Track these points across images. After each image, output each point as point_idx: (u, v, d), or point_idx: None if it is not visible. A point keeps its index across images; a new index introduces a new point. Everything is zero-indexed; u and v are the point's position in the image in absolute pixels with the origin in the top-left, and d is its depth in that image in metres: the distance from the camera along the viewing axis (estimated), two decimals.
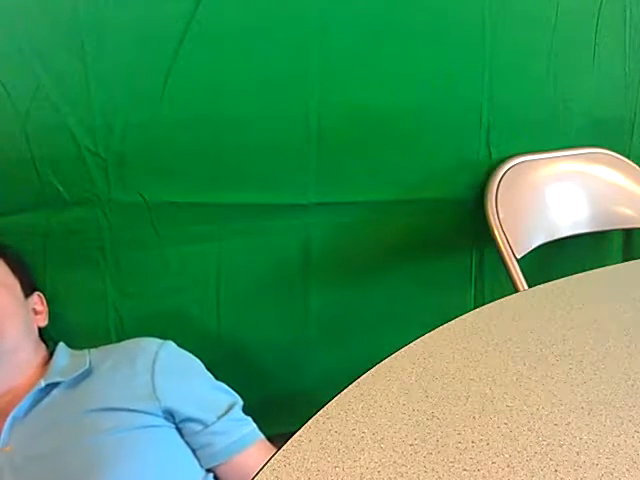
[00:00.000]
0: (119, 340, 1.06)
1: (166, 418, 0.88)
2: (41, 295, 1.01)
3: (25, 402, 0.85)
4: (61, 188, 0.98)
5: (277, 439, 0.91)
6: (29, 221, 1.00)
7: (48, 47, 0.91)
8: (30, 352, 0.93)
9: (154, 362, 0.90)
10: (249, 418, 0.93)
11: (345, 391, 0.51)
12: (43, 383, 0.86)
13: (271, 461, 0.43)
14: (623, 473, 0.41)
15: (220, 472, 0.90)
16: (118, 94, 0.96)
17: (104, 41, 0.93)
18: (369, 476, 0.41)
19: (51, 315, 1.02)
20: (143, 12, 0.93)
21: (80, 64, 0.93)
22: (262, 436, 0.93)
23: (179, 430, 0.89)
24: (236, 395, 0.95)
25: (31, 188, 0.97)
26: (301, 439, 0.45)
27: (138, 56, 0.95)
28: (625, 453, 0.43)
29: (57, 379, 0.87)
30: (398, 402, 0.49)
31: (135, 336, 0.98)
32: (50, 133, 0.95)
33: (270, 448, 0.92)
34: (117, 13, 0.92)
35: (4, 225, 0.99)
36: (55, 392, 0.87)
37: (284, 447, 0.44)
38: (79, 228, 1.01)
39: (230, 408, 0.91)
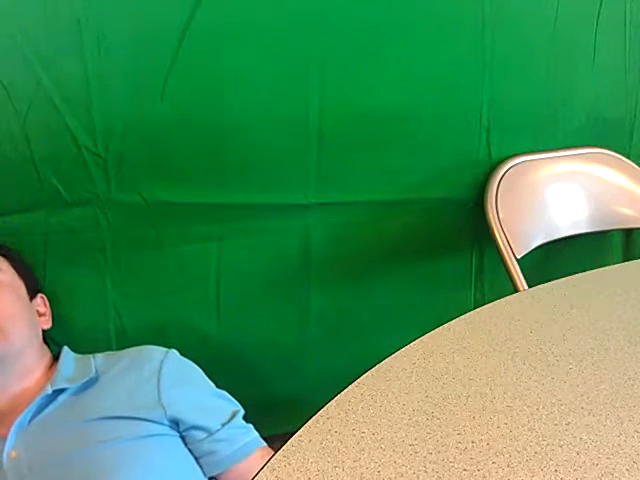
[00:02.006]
0: (118, 340, 1.06)
1: (171, 426, 0.88)
2: (44, 297, 1.01)
3: (31, 408, 0.85)
4: (61, 188, 0.98)
5: (277, 439, 0.91)
6: (29, 221, 1.00)
7: (48, 47, 0.91)
8: (35, 356, 0.93)
9: (159, 371, 0.90)
10: (251, 426, 0.93)
11: (345, 391, 0.51)
12: (50, 389, 0.86)
13: (271, 461, 0.43)
14: (623, 473, 0.41)
15: None
16: (118, 94, 0.96)
17: (104, 41, 0.93)
18: (369, 476, 0.41)
19: (51, 315, 1.02)
20: (143, 12, 0.93)
21: (80, 64, 0.93)
22: (264, 444, 0.93)
23: (183, 438, 0.89)
24: (237, 403, 0.95)
25: (31, 188, 0.97)
26: (301, 439, 0.45)
27: (138, 56, 0.95)
28: (625, 453, 0.43)
29: (64, 385, 0.87)
30: (398, 402, 0.49)
31: (134, 336, 0.99)
32: (50, 133, 0.95)
33: None
34: (117, 13, 0.92)
35: (4, 225, 0.99)
36: (61, 398, 0.87)
37: (284, 447, 0.44)
38: (79, 228, 1.01)
39: (233, 416, 0.91)
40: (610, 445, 0.44)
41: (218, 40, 0.97)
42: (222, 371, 0.98)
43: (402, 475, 0.41)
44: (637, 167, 1.28)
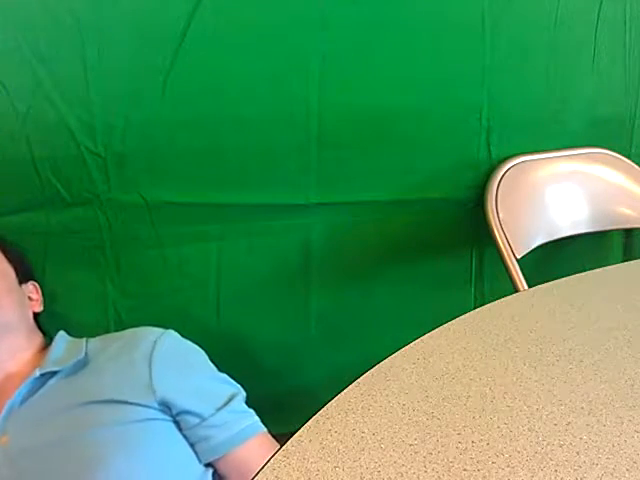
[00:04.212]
0: None
1: (162, 411, 0.86)
2: (36, 285, 1.01)
3: (20, 391, 0.84)
4: (61, 188, 0.98)
5: (277, 439, 0.91)
6: (29, 221, 1.00)
7: (48, 47, 0.91)
8: (24, 335, 0.93)
9: (152, 352, 0.88)
10: (251, 410, 0.91)
11: (345, 391, 0.51)
12: (38, 373, 0.85)
13: (271, 461, 0.43)
14: (623, 473, 0.41)
15: (220, 466, 0.88)
16: (118, 94, 0.96)
17: (104, 41, 0.93)
18: (369, 476, 0.41)
19: (51, 314, 1.02)
20: (143, 12, 0.93)
21: (80, 64, 0.93)
22: (264, 429, 0.90)
23: (177, 423, 0.87)
24: (238, 386, 0.93)
25: (31, 188, 0.97)
26: (301, 439, 0.45)
27: (138, 56, 0.95)
28: (625, 453, 0.43)
29: (52, 368, 0.87)
30: (398, 402, 0.49)
31: None
32: (50, 133, 0.95)
33: (272, 442, 0.90)
34: (117, 13, 0.92)
35: (4, 225, 0.99)
36: (51, 382, 0.86)
37: (284, 447, 0.44)
38: (79, 228, 1.01)
39: (230, 399, 0.89)
40: (610, 445, 0.44)
41: (218, 40, 0.97)
42: (222, 371, 0.97)
43: (402, 475, 0.41)
44: (637, 167, 1.28)
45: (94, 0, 0.91)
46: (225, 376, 0.94)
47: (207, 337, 1.12)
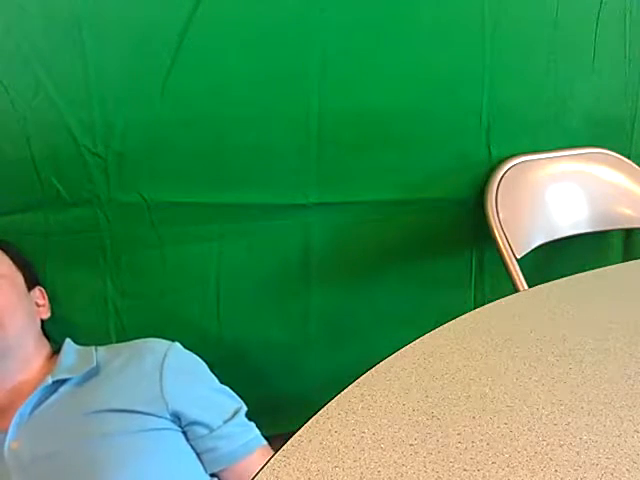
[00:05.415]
0: (119, 340, 1.06)
1: (173, 421, 0.88)
2: (42, 289, 1.01)
3: (32, 399, 0.85)
4: (61, 188, 0.98)
5: (277, 439, 0.91)
6: (29, 221, 1.00)
7: (48, 47, 0.91)
8: (33, 346, 0.93)
9: (162, 363, 0.90)
10: (253, 424, 0.93)
11: (345, 391, 0.51)
12: (50, 380, 0.86)
13: (271, 461, 0.43)
14: (623, 473, 0.41)
15: (223, 477, 0.90)
16: (118, 94, 0.96)
17: (104, 41, 0.93)
18: (369, 476, 0.41)
19: (51, 315, 1.02)
20: (143, 12, 0.93)
21: (80, 64, 0.93)
22: (265, 443, 0.93)
23: (185, 434, 0.89)
24: (240, 400, 0.95)
25: (31, 188, 0.97)
26: (301, 439, 0.45)
27: (138, 56, 0.95)
28: (625, 453, 0.43)
29: (64, 376, 0.87)
30: (398, 402, 0.49)
31: (134, 335, 0.99)
32: (50, 133, 0.95)
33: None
34: (117, 12, 0.92)
35: (4, 225, 0.99)
36: (62, 389, 0.87)
37: (284, 447, 0.44)
38: (79, 228, 1.01)
39: (235, 413, 0.91)
40: (610, 445, 0.44)
41: (218, 40, 0.97)
42: (222, 371, 0.97)
43: (402, 475, 0.41)
44: (637, 167, 1.28)
45: (94, 0, 0.91)
46: (228, 389, 0.96)
47: (207, 337, 1.12)
